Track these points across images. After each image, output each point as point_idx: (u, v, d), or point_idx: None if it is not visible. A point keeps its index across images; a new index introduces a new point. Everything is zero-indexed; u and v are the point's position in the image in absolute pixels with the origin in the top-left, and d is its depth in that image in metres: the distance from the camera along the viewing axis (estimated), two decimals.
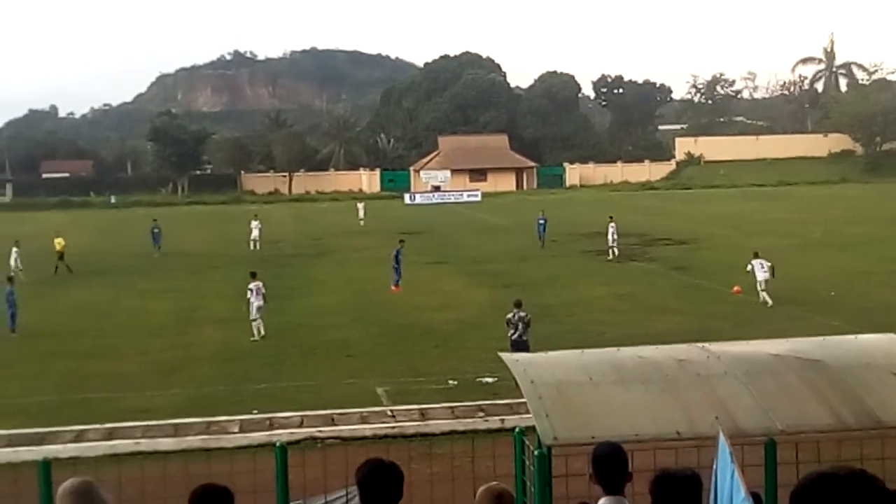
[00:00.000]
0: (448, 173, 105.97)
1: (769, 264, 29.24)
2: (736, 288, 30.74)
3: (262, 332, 25.44)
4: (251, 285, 25.94)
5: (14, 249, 39.16)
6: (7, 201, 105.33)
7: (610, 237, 41.69)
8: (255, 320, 25.58)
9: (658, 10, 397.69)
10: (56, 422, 17.21)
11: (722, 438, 4.90)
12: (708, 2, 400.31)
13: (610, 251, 41.44)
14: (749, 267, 29.52)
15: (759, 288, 28.89)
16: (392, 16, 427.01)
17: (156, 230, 48.32)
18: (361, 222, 63.59)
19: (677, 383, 6.41)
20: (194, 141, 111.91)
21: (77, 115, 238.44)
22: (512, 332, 19.57)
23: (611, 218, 42.81)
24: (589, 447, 5.56)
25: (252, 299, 25.68)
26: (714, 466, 4.96)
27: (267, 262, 42.64)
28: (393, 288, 33.07)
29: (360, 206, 68.49)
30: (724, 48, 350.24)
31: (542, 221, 47.67)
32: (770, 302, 28.23)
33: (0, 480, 11.94)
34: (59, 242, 42.19)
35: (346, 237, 54.46)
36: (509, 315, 19.82)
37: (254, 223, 49.43)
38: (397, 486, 4.64)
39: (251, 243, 48.64)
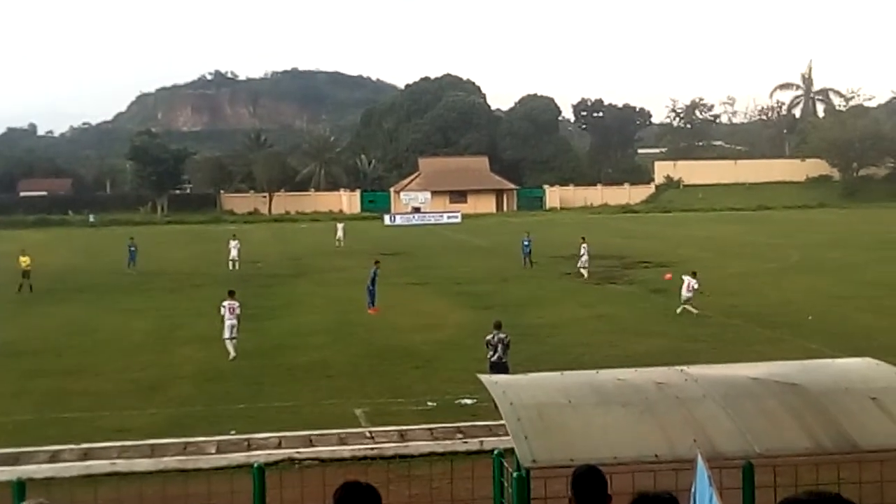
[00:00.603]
0: (428, 195, 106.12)
1: (696, 286, 31.51)
2: (667, 275, 34.61)
3: (233, 354, 24.98)
4: (225, 303, 25.59)
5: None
6: None
7: (582, 258, 42.29)
8: (229, 339, 25.21)
9: (638, 35, 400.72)
10: (32, 441, 17.05)
11: (700, 461, 4.92)
12: (687, 27, 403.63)
13: (581, 271, 42.05)
14: (684, 281, 31.58)
15: (681, 300, 31.04)
16: (373, 37, 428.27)
17: (132, 248, 48.56)
18: (339, 243, 62.95)
19: (656, 406, 6.45)
20: (174, 160, 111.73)
21: (56, 134, 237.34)
22: (491, 353, 19.53)
23: (583, 239, 43.42)
24: (568, 469, 5.56)
25: (226, 318, 25.35)
26: (692, 489, 4.98)
27: (247, 281, 42.51)
28: (370, 310, 32.89)
29: (340, 226, 67.54)
30: (704, 73, 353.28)
31: (526, 243, 47.79)
32: (696, 311, 30.53)
33: None
34: (24, 261, 41.39)
35: (326, 257, 54.39)
36: (489, 336, 19.80)
37: (233, 243, 49.26)
38: None
39: (230, 263, 48.47)
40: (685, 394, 6.59)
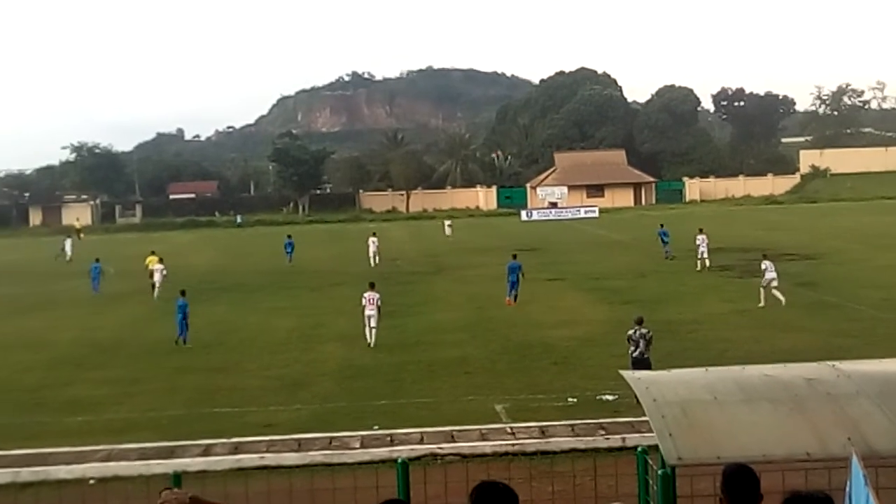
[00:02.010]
0: (565, 189, 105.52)
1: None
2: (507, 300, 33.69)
3: (372, 343, 26.43)
4: (365, 294, 26.97)
5: (159, 267, 40.57)
6: (136, 222, 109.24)
7: (700, 249, 42.36)
8: (368, 329, 26.69)
9: (780, 20, 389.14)
10: (185, 435, 17.71)
11: (855, 460, 4.75)
12: (832, 10, 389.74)
13: (699, 262, 42.07)
14: (763, 266, 31.84)
15: (762, 284, 31.29)
16: (507, 34, 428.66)
17: (289, 244, 53.34)
18: (450, 238, 65.50)
19: (806, 403, 6.24)
20: (314, 161, 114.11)
21: (202, 138, 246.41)
22: (633, 349, 19.30)
23: (700, 230, 43.26)
24: (714, 468, 5.45)
25: (366, 309, 26.71)
26: (847, 489, 4.82)
27: (386, 279, 43.06)
28: (507, 300, 33.61)
29: (447, 223, 70.39)
30: (851, 58, 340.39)
31: (664, 233, 48.33)
32: (783, 299, 30.52)
33: (134, 492, 12.33)
34: (151, 260, 42.82)
35: (463, 254, 54.65)
36: (630, 332, 19.56)
37: (372, 240, 50.37)
38: None
39: (371, 259, 49.41)
40: (837, 390, 6.35)
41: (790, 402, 6.26)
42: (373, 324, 26.65)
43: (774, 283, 31.16)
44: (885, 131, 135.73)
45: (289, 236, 55.08)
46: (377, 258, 49.69)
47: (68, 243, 62.99)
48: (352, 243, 61.17)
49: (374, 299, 26.71)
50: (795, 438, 5.96)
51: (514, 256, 35.70)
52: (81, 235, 74.97)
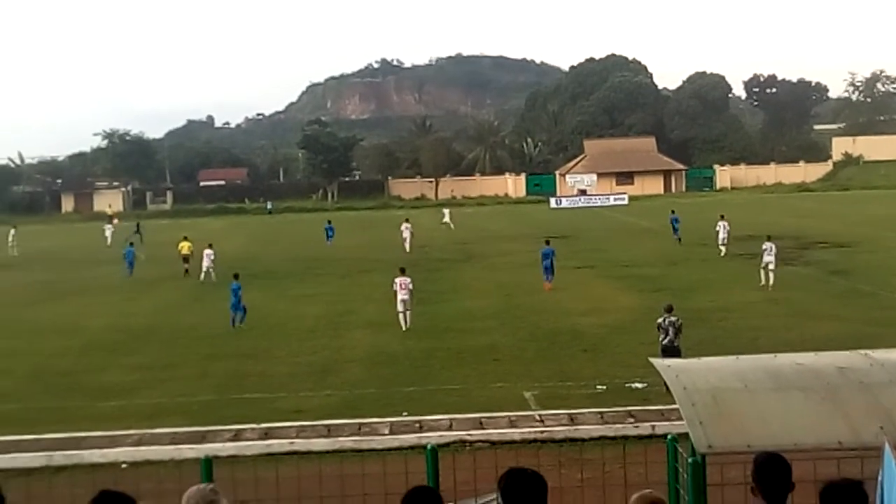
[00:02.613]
0: (594, 177, 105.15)
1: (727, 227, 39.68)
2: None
3: (405, 326, 27.07)
4: (397, 279, 27.63)
5: (209, 252, 41.44)
6: (167, 208, 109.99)
7: (720, 235, 42.91)
8: (401, 312, 27.33)
9: (813, 5, 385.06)
10: (216, 421, 17.85)
11: (888, 449, 4.72)
12: None
13: (721, 248, 42.55)
14: (763, 247, 33.12)
15: (761, 266, 32.89)
16: (537, 20, 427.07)
17: (330, 229, 56.51)
18: (451, 226, 65.46)
19: (839, 391, 6.20)
20: (343, 148, 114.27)
21: (232, 125, 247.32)
22: (663, 336, 19.25)
23: (722, 217, 43.87)
24: (744, 456, 5.42)
25: (398, 293, 27.45)
26: (879, 478, 4.79)
27: (415, 265, 43.08)
28: (546, 286, 34.29)
29: (446, 211, 70.62)
30: (885, 44, 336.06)
31: (675, 220, 50.31)
32: (770, 283, 32.26)
33: (166, 476, 12.45)
34: (185, 246, 44.04)
35: (492, 242, 54.61)
36: (660, 319, 19.51)
37: (405, 226, 50.61)
38: (540, 496, 4.58)
39: (405, 245, 49.83)
40: (870, 378, 6.30)
41: (822, 391, 6.22)
42: (407, 307, 27.34)
43: (771, 267, 32.46)
44: None
45: (329, 221, 59.12)
46: (408, 243, 50.06)
47: (108, 229, 63.81)
48: (380, 230, 61.33)
49: (405, 284, 27.38)
50: (827, 427, 5.92)
51: (548, 242, 35.98)
52: (115, 221, 75.53)
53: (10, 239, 59.63)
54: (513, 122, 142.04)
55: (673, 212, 52.68)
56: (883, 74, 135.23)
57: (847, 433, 5.84)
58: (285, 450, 15.69)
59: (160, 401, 20.05)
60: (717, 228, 43.37)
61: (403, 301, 27.32)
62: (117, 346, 27.07)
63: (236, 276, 29.97)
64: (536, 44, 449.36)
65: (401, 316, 27.36)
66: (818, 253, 42.51)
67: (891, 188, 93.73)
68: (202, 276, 40.77)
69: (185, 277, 42.26)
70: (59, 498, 12.92)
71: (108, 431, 17.19)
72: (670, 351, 18.64)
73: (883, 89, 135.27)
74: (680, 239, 49.03)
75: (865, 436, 5.74)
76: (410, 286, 27.54)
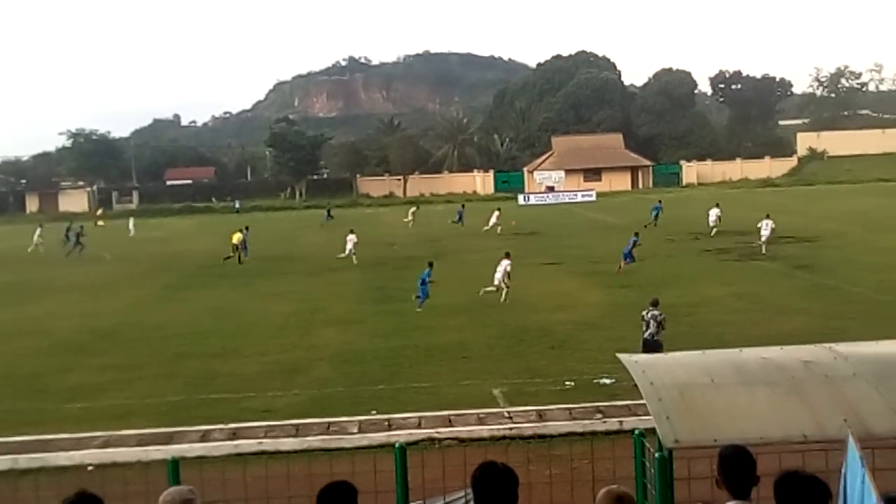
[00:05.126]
0: (562, 173, 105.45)
1: (772, 225, 41.92)
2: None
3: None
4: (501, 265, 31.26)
5: (352, 237, 44.98)
6: (133, 208, 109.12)
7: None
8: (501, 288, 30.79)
9: (778, 2, 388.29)
10: (184, 421, 17.73)
11: (851, 442, 4.76)
12: None
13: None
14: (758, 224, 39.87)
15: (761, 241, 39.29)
16: (504, 17, 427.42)
17: (329, 211, 64.82)
18: (409, 224, 65.98)
19: (803, 385, 6.25)
20: (311, 146, 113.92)
21: (199, 124, 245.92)
22: (644, 329, 19.47)
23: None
24: (711, 450, 5.45)
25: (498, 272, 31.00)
26: (843, 470, 4.83)
27: (383, 263, 43.15)
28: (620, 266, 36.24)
29: (410, 210, 71.02)
30: (849, 40, 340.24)
31: (657, 208, 56.58)
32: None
33: (132, 478, 12.35)
34: (235, 236, 47.02)
35: (461, 239, 54.61)
36: (643, 312, 19.74)
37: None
38: (511, 490, 4.63)
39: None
40: (834, 372, 6.36)
41: (787, 385, 6.27)
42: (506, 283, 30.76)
43: (763, 240, 39.11)
44: (883, 113, 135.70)
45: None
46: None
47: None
48: (347, 229, 61.00)
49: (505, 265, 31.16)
50: (792, 420, 5.97)
51: (430, 265, 32.53)
52: (101, 223, 74.60)
53: None
54: (481, 120, 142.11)
55: (660, 202, 59.19)
56: (847, 70, 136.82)
57: (811, 426, 5.89)
58: (253, 450, 15.60)
59: (127, 402, 19.88)
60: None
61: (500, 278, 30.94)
62: (84, 346, 26.83)
63: (430, 265, 31.59)
64: (504, 41, 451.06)
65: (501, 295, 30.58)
66: (784, 248, 42.86)
67: (855, 183, 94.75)
68: (344, 255, 44.21)
69: (239, 264, 45.17)
70: (24, 501, 12.79)
71: (75, 433, 17.02)
72: (649, 344, 18.87)
73: (847, 85, 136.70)
74: (656, 225, 53.74)
75: (829, 429, 5.79)
76: (508, 268, 31.17)
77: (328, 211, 75.90)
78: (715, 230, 49.79)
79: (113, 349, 26.25)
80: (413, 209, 72.41)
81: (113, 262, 46.52)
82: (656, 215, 56.26)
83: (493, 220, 57.42)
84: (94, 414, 18.85)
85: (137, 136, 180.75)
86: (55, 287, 40.70)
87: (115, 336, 28.33)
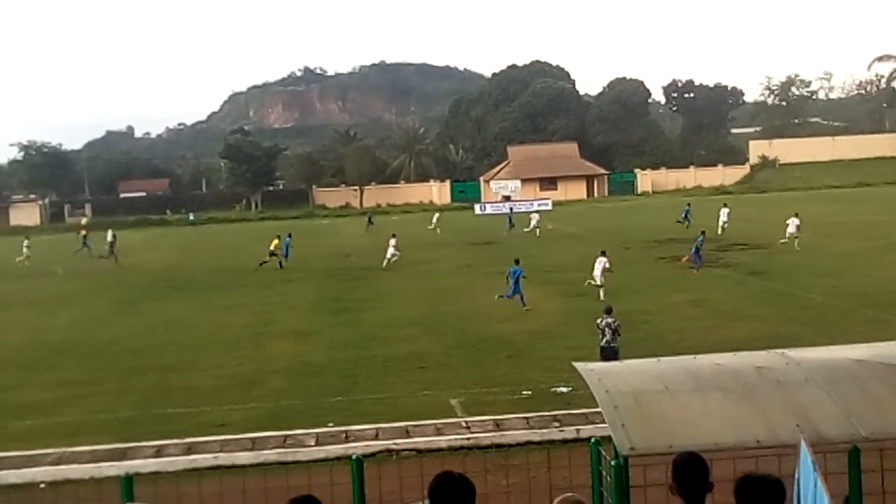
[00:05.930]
0: (518, 183, 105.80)
1: (797, 223, 44.12)
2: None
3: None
4: (601, 260, 33.03)
5: (393, 241, 45.65)
6: (86, 221, 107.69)
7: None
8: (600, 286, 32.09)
9: (729, 12, 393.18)
10: (138, 437, 17.50)
11: (804, 446, 4.80)
12: (782, 2, 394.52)
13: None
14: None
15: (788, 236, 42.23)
16: (460, 27, 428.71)
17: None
18: (438, 230, 65.63)
19: (756, 391, 6.30)
20: (267, 157, 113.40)
21: (153, 135, 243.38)
22: (601, 337, 19.62)
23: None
24: (667, 457, 5.47)
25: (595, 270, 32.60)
26: (796, 475, 4.86)
27: (339, 274, 43.01)
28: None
29: (435, 216, 70.69)
30: (799, 49, 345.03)
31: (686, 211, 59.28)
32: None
33: (85, 495, 12.17)
34: (274, 243, 48.30)
35: (417, 249, 54.47)
36: (598, 320, 19.88)
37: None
38: (468, 500, 4.63)
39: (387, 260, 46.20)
40: (786, 378, 6.42)
41: (740, 391, 6.31)
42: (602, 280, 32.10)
43: (790, 231, 43.12)
44: (832, 121, 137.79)
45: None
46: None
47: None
48: (303, 240, 60.78)
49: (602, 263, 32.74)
50: (746, 426, 6.01)
51: (517, 262, 32.77)
52: (83, 232, 73.36)
53: None
54: (437, 129, 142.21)
55: (688, 204, 62.21)
56: (798, 78, 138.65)
57: (765, 432, 5.94)
58: (209, 464, 15.43)
59: (80, 418, 19.58)
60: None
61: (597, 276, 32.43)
62: (34, 362, 26.41)
63: (517, 262, 31.64)
64: (460, 51, 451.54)
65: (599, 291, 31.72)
66: (737, 255, 43.31)
67: (806, 190, 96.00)
68: (384, 263, 44.55)
69: (280, 268, 46.00)
70: None
71: (26, 451, 16.73)
72: (607, 352, 19.03)
73: (798, 93, 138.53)
74: (687, 226, 55.25)
75: (782, 434, 5.83)
76: (606, 265, 32.79)
77: (369, 217, 78.03)
78: (725, 226, 53.82)
79: (65, 364, 25.86)
80: (437, 214, 72.44)
81: (66, 275, 45.89)
82: (686, 215, 58.84)
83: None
84: (45, 430, 18.54)
85: (90, 148, 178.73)
86: (5, 302, 40.06)
87: (68, 351, 27.93)
